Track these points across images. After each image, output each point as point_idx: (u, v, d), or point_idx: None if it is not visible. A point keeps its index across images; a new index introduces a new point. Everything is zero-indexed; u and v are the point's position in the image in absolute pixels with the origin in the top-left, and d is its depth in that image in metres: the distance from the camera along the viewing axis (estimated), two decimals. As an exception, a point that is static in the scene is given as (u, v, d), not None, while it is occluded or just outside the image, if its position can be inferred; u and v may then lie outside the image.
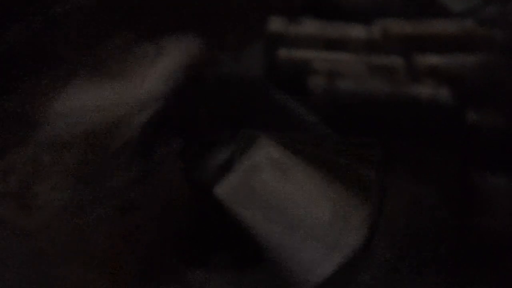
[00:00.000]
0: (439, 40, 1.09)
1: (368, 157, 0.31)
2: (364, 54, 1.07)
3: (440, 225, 0.85)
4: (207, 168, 0.32)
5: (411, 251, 0.84)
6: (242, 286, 0.53)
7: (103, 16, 1.09)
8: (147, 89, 0.91)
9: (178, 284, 0.59)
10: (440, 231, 0.84)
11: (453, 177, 0.94)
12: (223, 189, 0.33)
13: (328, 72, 1.01)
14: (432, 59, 1.05)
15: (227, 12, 1.33)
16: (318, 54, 1.07)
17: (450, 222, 0.85)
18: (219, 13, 1.31)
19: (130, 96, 0.90)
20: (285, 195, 0.32)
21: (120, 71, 0.96)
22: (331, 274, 0.33)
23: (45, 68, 1.02)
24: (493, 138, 0.93)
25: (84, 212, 0.81)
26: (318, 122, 0.98)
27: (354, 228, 0.33)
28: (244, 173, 0.30)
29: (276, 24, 1.13)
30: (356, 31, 1.11)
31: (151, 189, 0.70)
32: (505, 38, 1.06)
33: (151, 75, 0.94)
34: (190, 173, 0.34)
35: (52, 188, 0.93)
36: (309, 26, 1.12)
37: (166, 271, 0.61)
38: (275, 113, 0.98)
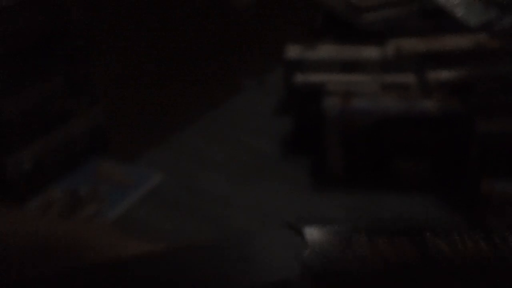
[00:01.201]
0: (452, 55, 1.11)
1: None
2: (378, 74, 1.10)
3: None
4: None
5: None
6: None
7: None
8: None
9: None
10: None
11: (466, 185, 0.96)
12: None
13: (343, 93, 1.05)
14: (444, 73, 1.07)
15: (251, 41, 1.38)
16: (334, 76, 1.11)
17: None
18: (243, 43, 1.37)
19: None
20: None
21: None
22: None
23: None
24: (503, 146, 0.94)
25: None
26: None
27: None
28: None
29: (293, 50, 1.17)
30: (370, 52, 1.15)
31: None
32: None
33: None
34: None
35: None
36: (325, 51, 1.17)
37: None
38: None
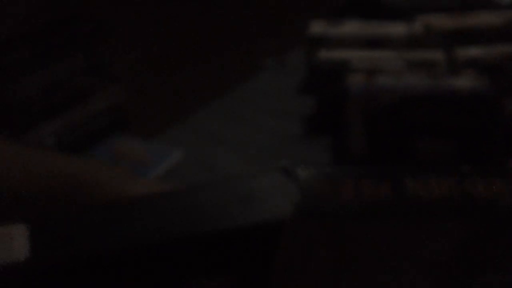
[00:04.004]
0: (481, 32, 1.07)
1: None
2: (404, 50, 1.07)
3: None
4: None
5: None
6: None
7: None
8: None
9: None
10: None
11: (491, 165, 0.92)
12: None
13: (367, 70, 1.02)
14: (473, 51, 1.03)
15: (272, 20, 1.35)
16: (358, 53, 1.08)
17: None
18: (263, 21, 1.34)
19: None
20: None
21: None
22: None
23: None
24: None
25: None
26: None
27: None
28: None
29: (317, 26, 1.14)
30: (397, 29, 1.11)
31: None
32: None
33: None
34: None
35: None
36: (350, 27, 1.14)
37: None
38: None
